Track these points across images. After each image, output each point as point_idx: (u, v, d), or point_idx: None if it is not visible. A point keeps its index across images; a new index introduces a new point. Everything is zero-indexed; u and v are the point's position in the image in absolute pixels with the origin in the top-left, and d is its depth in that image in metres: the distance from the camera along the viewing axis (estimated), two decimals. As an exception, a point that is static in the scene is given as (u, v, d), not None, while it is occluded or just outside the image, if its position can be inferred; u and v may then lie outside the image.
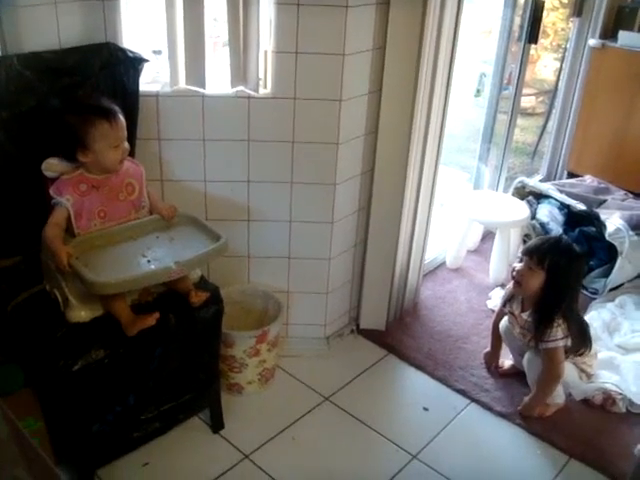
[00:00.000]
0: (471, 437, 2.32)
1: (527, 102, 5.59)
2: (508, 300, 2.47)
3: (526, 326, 2.37)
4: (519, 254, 2.40)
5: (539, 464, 2.23)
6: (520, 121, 5.49)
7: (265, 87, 2.20)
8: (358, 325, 2.76)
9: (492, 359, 2.61)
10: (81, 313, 1.82)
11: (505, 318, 2.51)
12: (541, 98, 5.79)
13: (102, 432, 1.88)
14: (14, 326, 1.90)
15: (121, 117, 1.85)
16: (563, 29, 5.73)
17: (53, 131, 1.86)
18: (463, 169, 4.10)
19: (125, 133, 1.87)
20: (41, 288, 1.91)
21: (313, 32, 2.09)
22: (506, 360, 2.60)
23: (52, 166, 1.85)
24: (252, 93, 2.17)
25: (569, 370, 2.37)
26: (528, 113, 5.54)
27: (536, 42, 3.24)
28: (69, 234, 1.83)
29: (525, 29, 3.15)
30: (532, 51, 5.84)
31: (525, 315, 2.37)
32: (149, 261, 1.82)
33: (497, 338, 2.58)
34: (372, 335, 2.74)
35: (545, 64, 6.00)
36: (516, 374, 2.54)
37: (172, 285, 1.94)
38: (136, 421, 1.98)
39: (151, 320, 1.83)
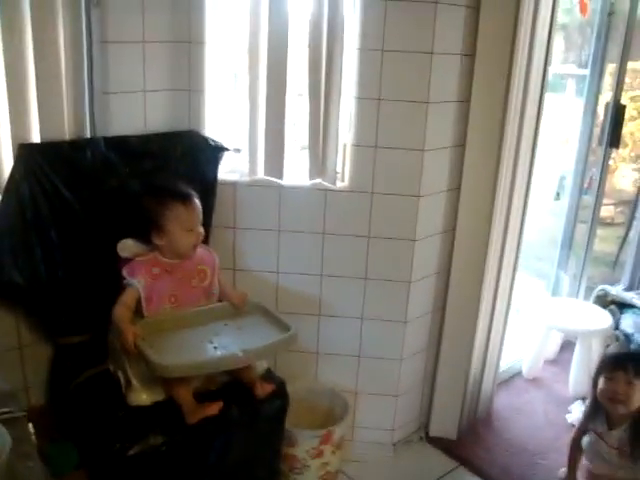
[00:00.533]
0: None
1: (606, 212, 5.45)
2: (589, 418, 2.26)
3: (619, 445, 2.14)
4: (597, 371, 2.20)
5: None
6: (599, 231, 5.35)
7: (343, 180, 2.20)
8: (427, 432, 2.61)
9: None
10: (142, 396, 1.78)
11: (587, 436, 2.31)
12: (620, 208, 5.64)
13: (155, 527, 1.78)
14: (74, 404, 1.87)
15: (197, 201, 1.87)
16: (641, 139, 5.67)
17: (131, 212, 1.89)
18: (540, 277, 3.95)
19: (200, 218, 1.88)
20: (105, 368, 1.88)
21: (393, 127, 2.10)
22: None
23: (127, 247, 1.87)
24: (329, 186, 2.17)
25: None
26: (607, 223, 5.38)
27: (617, 147, 3.17)
28: (139, 316, 1.82)
29: (606, 133, 3.09)
30: (610, 161, 5.81)
31: (616, 433, 2.15)
32: (216, 347, 1.78)
33: (575, 458, 2.33)
34: (442, 444, 2.57)
35: (624, 174, 5.90)
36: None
37: (237, 375, 1.88)
38: (191, 519, 1.86)
39: (214, 409, 1.76)
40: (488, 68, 2.15)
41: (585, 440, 2.30)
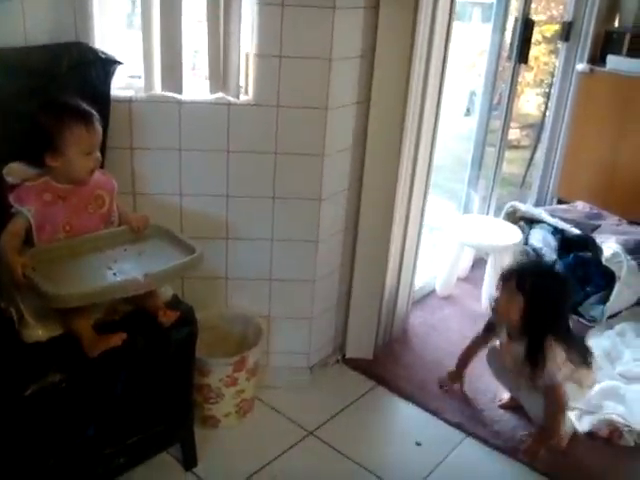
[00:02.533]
0: (468, 474, 2.13)
1: (512, 135, 5.55)
2: (489, 330, 2.32)
3: (519, 358, 2.19)
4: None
5: (544, 503, 2.05)
6: (506, 153, 5.45)
7: (246, 94, 2.06)
8: (344, 354, 2.58)
9: (455, 378, 2.44)
10: (38, 332, 1.63)
11: (490, 350, 2.36)
12: (525, 132, 5.75)
13: (59, 467, 1.67)
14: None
15: (97, 124, 1.71)
16: (546, 63, 5.74)
17: (18, 131, 1.69)
18: (451, 198, 3.97)
19: (99, 141, 1.73)
20: (-5, 306, 1.72)
21: (298, 34, 1.96)
22: (504, 393, 2.42)
23: (15, 171, 1.69)
24: (232, 100, 2.03)
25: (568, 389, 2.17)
26: (514, 146, 5.48)
27: (526, 62, 3.16)
28: (30, 247, 1.65)
29: (515, 48, 3.07)
30: (519, 78, 5.88)
31: (516, 345, 2.19)
32: (115, 274, 1.64)
33: (465, 359, 2.44)
34: (359, 365, 2.55)
35: (529, 99, 5.99)
36: (518, 407, 2.36)
37: (141, 303, 1.76)
38: (98, 456, 1.76)
39: (116, 340, 1.64)
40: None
41: (489, 357, 2.37)
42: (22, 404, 1.53)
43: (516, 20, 3.05)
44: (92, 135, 1.68)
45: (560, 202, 3.79)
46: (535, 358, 2.12)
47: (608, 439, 2.26)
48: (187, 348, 1.85)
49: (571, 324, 2.39)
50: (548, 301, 2.12)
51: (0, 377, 1.55)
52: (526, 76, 5.88)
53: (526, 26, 3.03)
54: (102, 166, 1.92)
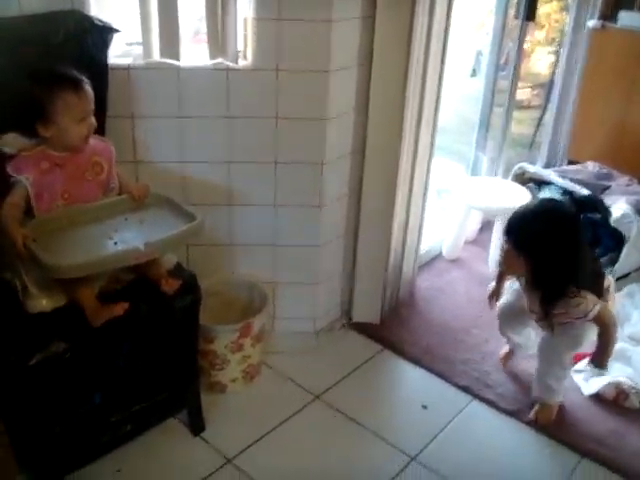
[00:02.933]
0: (474, 437, 2.14)
1: (522, 95, 5.45)
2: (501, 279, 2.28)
3: (534, 304, 2.11)
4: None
5: (549, 465, 2.07)
6: (516, 114, 5.37)
7: (245, 58, 2.03)
8: (350, 318, 2.59)
9: (497, 291, 2.34)
10: (42, 302, 1.64)
11: (507, 297, 2.30)
12: (536, 91, 5.64)
13: (66, 435, 1.70)
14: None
15: (89, 88, 1.69)
16: (557, 21, 5.61)
17: (13, 103, 1.68)
18: (460, 160, 3.93)
19: (92, 106, 1.71)
20: (1, 277, 1.72)
21: (296, -4, 1.93)
22: (504, 347, 2.43)
23: (10, 141, 1.68)
24: (231, 65, 2.01)
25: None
26: (524, 106, 5.37)
27: (534, 19, 3.08)
28: (30, 217, 1.66)
29: (522, 5, 2.99)
30: (526, 45, 5.77)
31: (532, 292, 2.11)
32: (116, 243, 1.65)
33: (501, 280, 2.32)
34: (365, 329, 2.56)
35: (539, 57, 5.87)
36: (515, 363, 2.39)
37: (144, 272, 1.77)
38: (104, 423, 1.79)
39: (119, 309, 1.66)
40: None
41: (504, 303, 2.32)
42: (27, 373, 1.55)
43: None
44: (83, 101, 1.66)
45: (570, 163, 3.73)
46: (552, 306, 2.03)
47: (614, 401, 2.26)
48: (191, 315, 1.87)
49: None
50: (554, 256, 1.96)
51: (5, 347, 1.58)
52: (537, 34, 5.77)
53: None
54: (103, 134, 1.92)
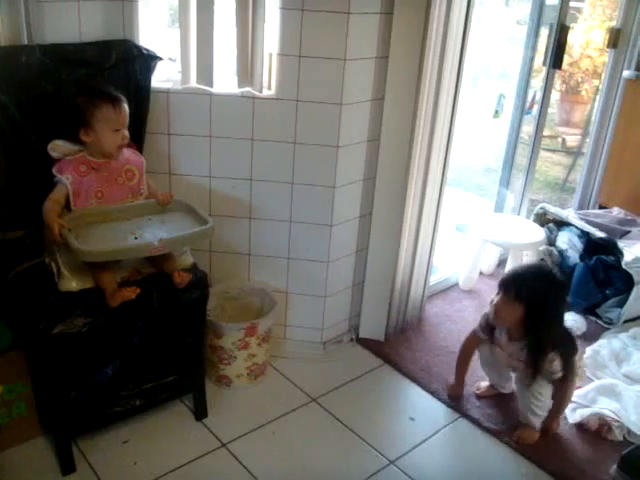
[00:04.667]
0: (454, 450, 2.28)
1: (574, 141, 5.54)
2: (485, 327, 2.37)
3: (516, 356, 2.28)
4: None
5: (522, 484, 2.17)
6: (563, 159, 5.48)
7: (269, 88, 2.30)
8: (357, 334, 2.77)
9: (458, 389, 2.51)
10: (72, 283, 1.93)
11: (483, 347, 2.43)
12: (588, 139, 5.72)
13: (80, 400, 1.96)
14: (11, 293, 2.02)
15: (125, 105, 1.99)
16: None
17: (63, 112, 2.00)
18: (491, 198, 4.07)
19: (126, 121, 2.00)
20: (41, 260, 2.03)
21: (316, 36, 2.18)
22: (482, 382, 2.54)
23: (57, 147, 1.99)
24: (257, 94, 2.27)
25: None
26: (574, 152, 5.47)
27: (560, 67, 3.23)
28: (69, 212, 1.96)
29: (550, 53, 3.15)
30: (583, 92, 5.87)
31: (515, 345, 2.27)
32: (136, 238, 1.93)
33: (464, 365, 2.49)
34: (370, 345, 2.74)
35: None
36: (496, 395, 2.50)
37: (160, 266, 2.03)
38: (116, 395, 2.04)
39: (131, 293, 1.91)
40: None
41: (482, 353, 2.45)
42: (50, 341, 1.83)
43: (551, 26, 3.13)
44: (118, 114, 1.95)
45: (601, 207, 3.81)
46: (536, 360, 2.20)
47: (597, 432, 2.35)
48: (198, 309, 2.11)
49: (586, 325, 2.57)
50: (546, 307, 2.19)
51: (36, 317, 1.86)
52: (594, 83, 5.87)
53: (561, 31, 3.11)
54: (141, 148, 2.23)
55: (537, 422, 2.32)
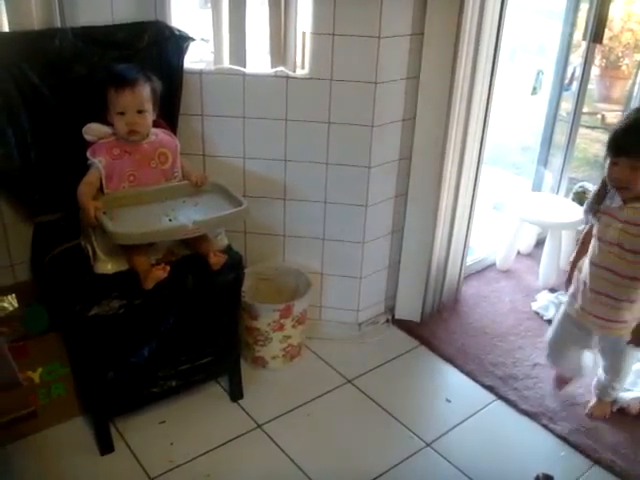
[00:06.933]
0: (491, 432, 2.26)
1: (613, 118, 5.40)
2: (599, 198, 2.06)
3: (633, 220, 1.96)
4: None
5: (559, 467, 2.12)
6: (605, 136, 5.31)
7: (303, 68, 2.26)
8: (393, 315, 2.75)
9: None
10: (107, 266, 1.94)
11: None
12: (631, 115, 5.57)
13: (117, 381, 1.98)
14: (48, 275, 2.04)
15: (133, 87, 1.92)
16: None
17: (95, 97, 2.00)
18: (525, 174, 3.99)
19: (137, 104, 1.93)
20: (77, 243, 2.04)
21: (349, 14, 2.13)
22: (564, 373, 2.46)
23: (91, 130, 1.99)
24: (290, 73, 2.24)
25: None
26: (614, 128, 5.33)
27: (601, 42, 3.13)
28: (103, 194, 1.96)
29: (590, 28, 3.06)
30: (624, 67, 5.69)
31: (630, 207, 1.97)
32: (170, 220, 1.92)
33: (580, 253, 2.20)
34: (406, 326, 2.72)
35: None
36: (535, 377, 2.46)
37: (195, 248, 2.03)
38: (153, 376, 2.06)
39: (161, 272, 1.90)
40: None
41: (597, 222, 2.12)
42: (87, 322, 1.85)
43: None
44: (120, 97, 1.91)
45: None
46: None
47: (638, 416, 2.31)
48: (233, 290, 2.11)
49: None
50: None
51: (73, 299, 1.88)
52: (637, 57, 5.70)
53: (602, 4, 3.00)
54: (175, 129, 2.22)
55: (610, 396, 2.30)
